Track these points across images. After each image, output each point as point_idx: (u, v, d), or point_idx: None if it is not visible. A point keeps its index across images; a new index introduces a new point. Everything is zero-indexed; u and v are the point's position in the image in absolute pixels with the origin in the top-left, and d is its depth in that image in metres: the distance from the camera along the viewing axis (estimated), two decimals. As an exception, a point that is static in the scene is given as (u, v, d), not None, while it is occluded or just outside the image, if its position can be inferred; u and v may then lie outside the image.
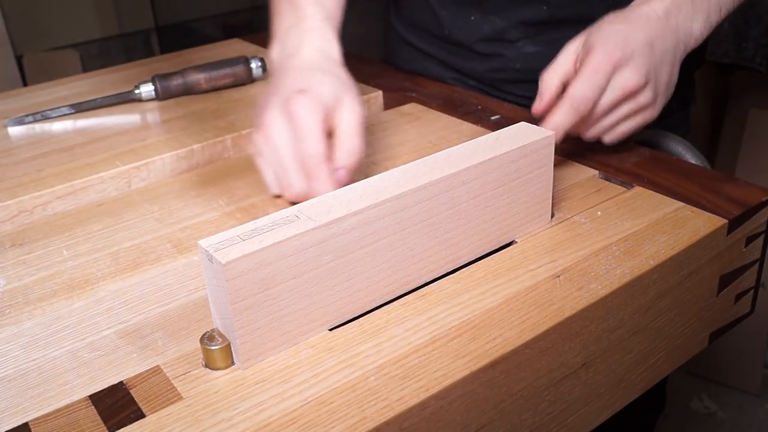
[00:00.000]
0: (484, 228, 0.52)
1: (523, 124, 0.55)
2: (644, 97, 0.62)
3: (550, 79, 0.63)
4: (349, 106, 0.59)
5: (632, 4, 0.65)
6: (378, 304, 0.48)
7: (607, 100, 0.60)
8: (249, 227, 0.43)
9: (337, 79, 0.61)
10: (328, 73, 0.61)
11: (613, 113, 0.62)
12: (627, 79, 0.60)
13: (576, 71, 0.61)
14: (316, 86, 0.58)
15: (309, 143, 0.56)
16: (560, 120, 0.60)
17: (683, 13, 0.64)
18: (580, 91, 0.59)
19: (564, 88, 0.62)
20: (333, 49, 0.65)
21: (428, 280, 0.51)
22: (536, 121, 0.60)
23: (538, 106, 0.63)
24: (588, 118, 0.62)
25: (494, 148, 0.51)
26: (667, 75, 0.63)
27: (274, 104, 0.58)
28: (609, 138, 0.65)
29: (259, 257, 0.41)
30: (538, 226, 0.56)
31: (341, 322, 0.47)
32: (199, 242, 0.42)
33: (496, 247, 0.54)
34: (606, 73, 0.59)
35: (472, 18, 0.86)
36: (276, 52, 0.66)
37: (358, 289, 0.47)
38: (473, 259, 0.53)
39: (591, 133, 0.64)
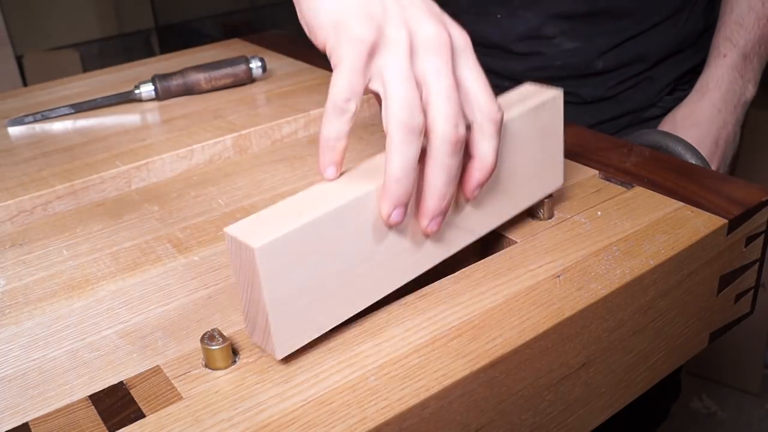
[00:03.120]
0: (503, 193, 0.52)
1: (528, 84, 0.54)
2: None
3: None
4: None
5: (695, 95, 0.73)
6: (406, 281, 0.48)
7: None
8: (274, 210, 0.42)
9: None
10: None
11: None
12: None
13: None
14: None
15: None
16: None
17: (738, 90, 0.74)
18: None
19: None
20: None
21: (452, 253, 0.50)
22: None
23: None
24: None
25: (508, 111, 0.50)
26: (733, 149, 0.73)
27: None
28: None
29: (292, 238, 0.40)
30: (553, 188, 0.56)
31: (373, 302, 0.46)
32: (225, 229, 0.41)
33: (515, 214, 0.54)
34: None
35: (498, 16, 0.85)
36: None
37: (388, 264, 0.46)
38: (493, 227, 0.53)
39: None
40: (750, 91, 0.79)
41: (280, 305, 0.41)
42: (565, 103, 0.87)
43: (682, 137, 0.69)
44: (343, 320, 0.45)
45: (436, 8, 0.46)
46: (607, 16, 0.83)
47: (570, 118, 0.72)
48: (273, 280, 0.40)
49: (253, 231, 0.40)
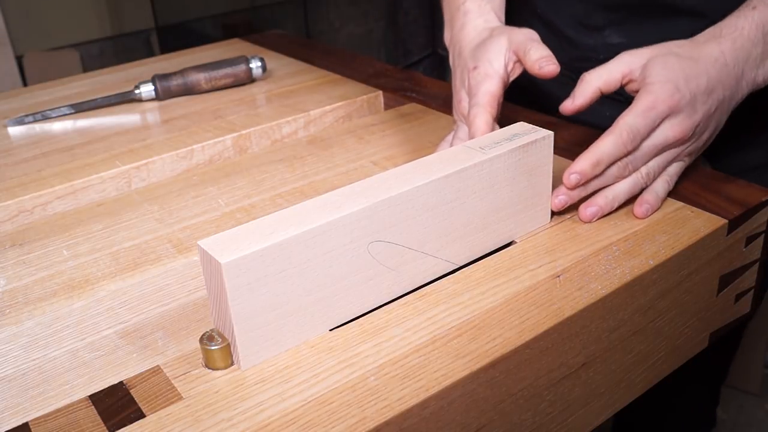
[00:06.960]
0: (483, 228, 0.52)
1: (522, 123, 0.55)
2: (684, 149, 0.59)
3: (592, 82, 0.59)
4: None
5: (703, 37, 0.62)
6: (378, 305, 0.48)
7: (652, 141, 0.57)
8: (249, 227, 0.43)
9: (497, 41, 0.67)
10: (488, 40, 0.68)
11: (654, 160, 0.59)
12: (676, 125, 0.57)
13: (622, 85, 0.59)
14: (482, 62, 0.66)
15: (478, 95, 0.64)
16: (607, 149, 0.56)
17: (751, 60, 0.61)
18: (633, 124, 0.56)
19: (600, 94, 0.60)
20: (491, 18, 0.73)
21: (427, 281, 0.51)
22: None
23: (569, 105, 0.60)
24: (627, 161, 0.58)
25: (493, 148, 0.51)
26: (716, 123, 0.61)
27: (457, 80, 0.69)
28: (647, 196, 0.59)
29: (259, 257, 0.41)
30: (538, 225, 0.56)
31: (342, 323, 0.47)
32: (198, 242, 0.42)
33: (496, 248, 0.54)
34: (661, 113, 0.56)
35: None
36: (447, 35, 0.75)
37: (358, 289, 0.47)
38: (473, 260, 0.53)
39: (626, 182, 0.58)
40: (761, 74, 0.62)
41: (246, 319, 0.42)
42: (610, 99, 0.83)
43: (671, 68, 0.58)
44: (312, 337, 0.46)
45: None
46: (661, 12, 0.78)
47: (610, 116, 0.69)
48: (239, 295, 0.41)
49: (224, 246, 0.41)
